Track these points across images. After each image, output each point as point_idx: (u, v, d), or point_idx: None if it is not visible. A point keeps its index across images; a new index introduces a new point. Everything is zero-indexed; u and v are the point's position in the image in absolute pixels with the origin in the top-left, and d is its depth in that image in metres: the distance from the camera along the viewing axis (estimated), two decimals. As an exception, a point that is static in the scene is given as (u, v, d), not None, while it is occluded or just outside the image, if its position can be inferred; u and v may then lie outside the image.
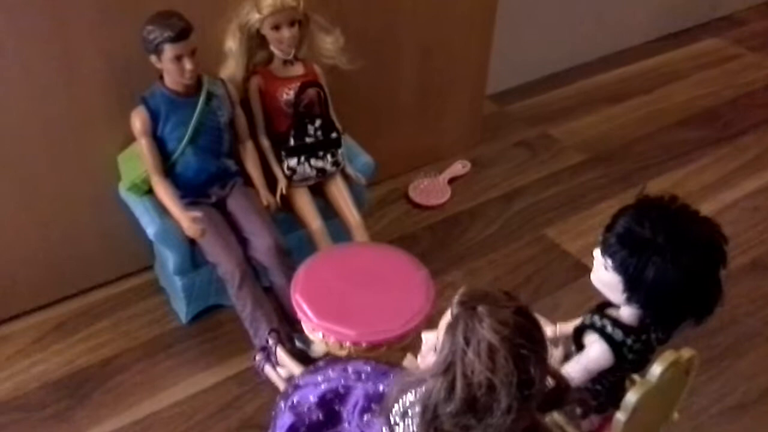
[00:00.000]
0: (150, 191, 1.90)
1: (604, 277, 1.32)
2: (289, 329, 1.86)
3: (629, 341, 1.34)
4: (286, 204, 2.01)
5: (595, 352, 1.35)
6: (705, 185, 2.63)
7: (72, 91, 1.83)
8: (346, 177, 2.06)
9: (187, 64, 1.75)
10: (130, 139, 1.88)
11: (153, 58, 1.76)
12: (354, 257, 1.82)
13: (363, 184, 2.09)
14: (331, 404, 1.40)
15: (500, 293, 1.09)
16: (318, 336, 1.63)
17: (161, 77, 1.82)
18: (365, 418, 1.36)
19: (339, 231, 2.03)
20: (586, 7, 3.12)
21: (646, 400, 1.29)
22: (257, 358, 1.82)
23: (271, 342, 1.80)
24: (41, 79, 1.78)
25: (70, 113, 1.85)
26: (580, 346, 1.40)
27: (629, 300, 1.31)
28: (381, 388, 1.38)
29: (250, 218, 1.92)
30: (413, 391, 1.16)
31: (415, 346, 1.52)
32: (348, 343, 1.59)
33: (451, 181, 2.59)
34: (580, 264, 2.24)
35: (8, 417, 1.81)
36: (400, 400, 1.19)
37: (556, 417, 1.44)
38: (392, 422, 1.22)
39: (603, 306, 1.40)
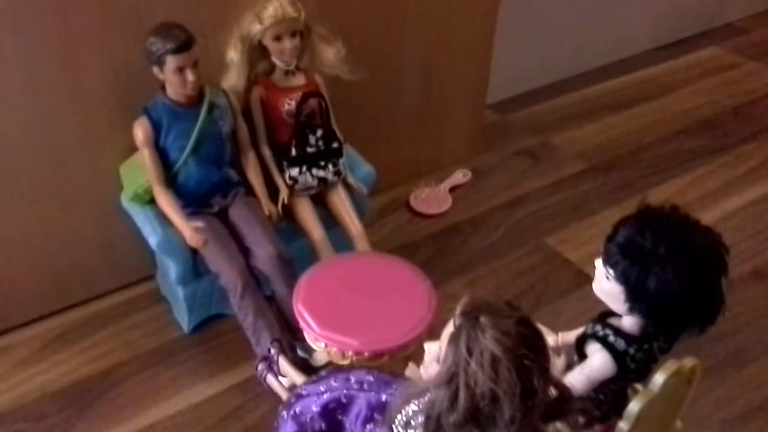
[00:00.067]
0: (152, 201, 1.90)
1: (606, 286, 1.33)
2: (291, 338, 1.86)
3: (631, 350, 1.35)
4: (288, 213, 2.01)
5: (598, 361, 1.36)
6: (706, 194, 2.63)
7: (75, 101, 1.84)
8: (348, 186, 2.07)
9: (190, 76, 1.76)
10: (133, 149, 1.88)
11: (155, 69, 1.76)
12: (356, 267, 1.82)
13: (364, 193, 2.09)
14: (333, 414, 1.40)
15: (502, 303, 1.10)
16: (320, 345, 1.63)
17: (163, 88, 1.82)
18: (368, 427, 1.36)
19: (341, 240, 2.03)
20: (586, 16, 3.13)
21: (648, 410, 1.29)
22: (259, 367, 1.82)
23: (273, 351, 1.80)
24: (45, 90, 1.79)
25: (73, 124, 1.86)
26: (582, 356, 1.40)
27: (631, 309, 1.31)
28: (384, 397, 1.38)
29: (252, 228, 1.92)
30: (416, 401, 1.16)
31: (417, 355, 1.52)
32: (350, 353, 1.59)
33: (452, 190, 2.59)
34: (581, 273, 2.23)
35: (10, 428, 1.81)
36: (403, 410, 1.19)
37: (559, 427, 1.43)
38: (395, 432, 1.22)
39: (605, 315, 1.40)
